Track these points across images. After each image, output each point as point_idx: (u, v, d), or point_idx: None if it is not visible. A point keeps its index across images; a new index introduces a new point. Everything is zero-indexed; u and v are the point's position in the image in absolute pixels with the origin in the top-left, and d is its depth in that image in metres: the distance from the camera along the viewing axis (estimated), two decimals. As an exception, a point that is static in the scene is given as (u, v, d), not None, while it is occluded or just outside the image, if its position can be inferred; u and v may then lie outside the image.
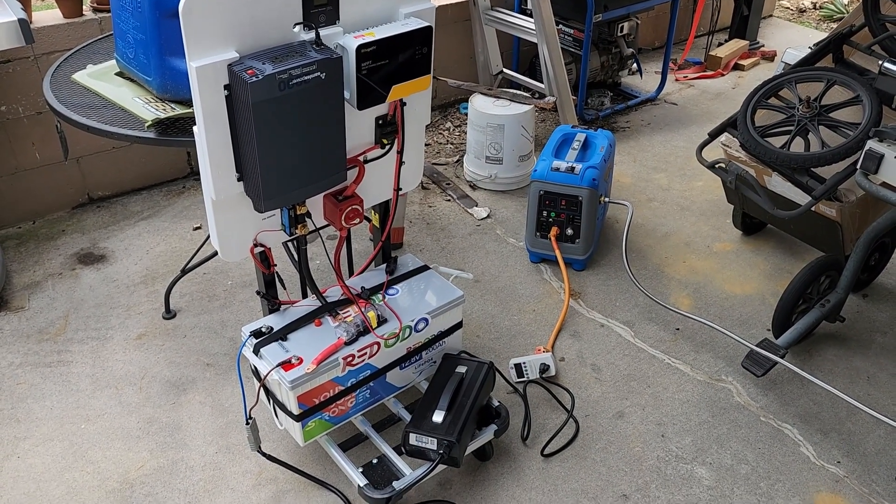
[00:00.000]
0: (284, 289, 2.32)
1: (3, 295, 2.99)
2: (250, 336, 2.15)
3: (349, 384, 2.19)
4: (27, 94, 3.20)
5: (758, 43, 5.36)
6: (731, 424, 2.52)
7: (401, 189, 2.28)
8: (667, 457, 2.41)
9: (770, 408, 2.58)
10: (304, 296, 2.43)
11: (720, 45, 5.29)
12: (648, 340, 2.84)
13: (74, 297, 3.00)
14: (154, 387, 2.62)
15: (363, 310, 2.20)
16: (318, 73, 1.75)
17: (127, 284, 3.08)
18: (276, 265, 2.17)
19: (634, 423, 2.52)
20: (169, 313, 2.92)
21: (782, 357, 2.55)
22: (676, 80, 4.94)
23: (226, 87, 1.73)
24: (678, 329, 2.90)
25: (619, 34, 4.33)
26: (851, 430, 2.50)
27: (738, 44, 5.20)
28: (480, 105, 3.66)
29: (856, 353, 2.80)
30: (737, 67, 5.10)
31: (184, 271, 2.91)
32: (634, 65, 4.64)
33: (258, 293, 2.26)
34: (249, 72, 1.67)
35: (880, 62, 2.48)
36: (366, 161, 2.13)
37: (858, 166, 2.21)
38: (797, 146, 2.52)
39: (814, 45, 2.81)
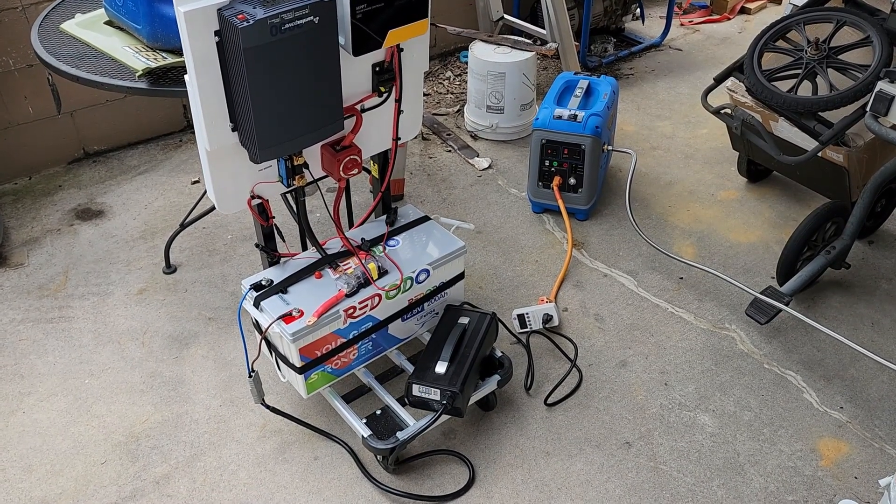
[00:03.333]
0: (284, 241, 2.30)
1: (1, 251, 2.98)
2: (250, 289, 2.13)
3: (351, 336, 2.18)
4: (17, 46, 3.13)
5: (765, -15, 5.22)
6: (734, 372, 2.52)
7: (399, 138, 2.23)
8: (670, 404, 2.41)
9: (773, 355, 2.57)
10: (304, 248, 2.41)
11: (726, -13, 5.16)
12: (652, 290, 2.83)
13: (74, 253, 2.99)
14: (156, 341, 2.62)
15: (363, 261, 2.18)
16: (312, 18, 1.69)
17: (126, 240, 3.06)
18: (274, 217, 2.14)
19: (637, 372, 2.51)
20: (169, 268, 2.90)
21: (786, 304, 2.53)
22: (681, 24, 4.82)
23: (216, 32, 1.68)
24: (682, 278, 2.88)
25: (623, -23, 4.23)
26: (855, 377, 2.50)
27: (744, -14, 5.08)
28: (481, 53, 3.58)
29: (860, 300, 2.78)
30: (743, 11, 4.98)
31: (183, 226, 2.88)
32: (638, 9, 4.53)
33: (257, 246, 2.24)
34: (240, 16, 1.62)
35: (892, 0, 2.41)
36: (363, 110, 2.08)
37: (868, 108, 2.16)
38: (804, 90, 2.46)
39: (824, -16, 2.72)
